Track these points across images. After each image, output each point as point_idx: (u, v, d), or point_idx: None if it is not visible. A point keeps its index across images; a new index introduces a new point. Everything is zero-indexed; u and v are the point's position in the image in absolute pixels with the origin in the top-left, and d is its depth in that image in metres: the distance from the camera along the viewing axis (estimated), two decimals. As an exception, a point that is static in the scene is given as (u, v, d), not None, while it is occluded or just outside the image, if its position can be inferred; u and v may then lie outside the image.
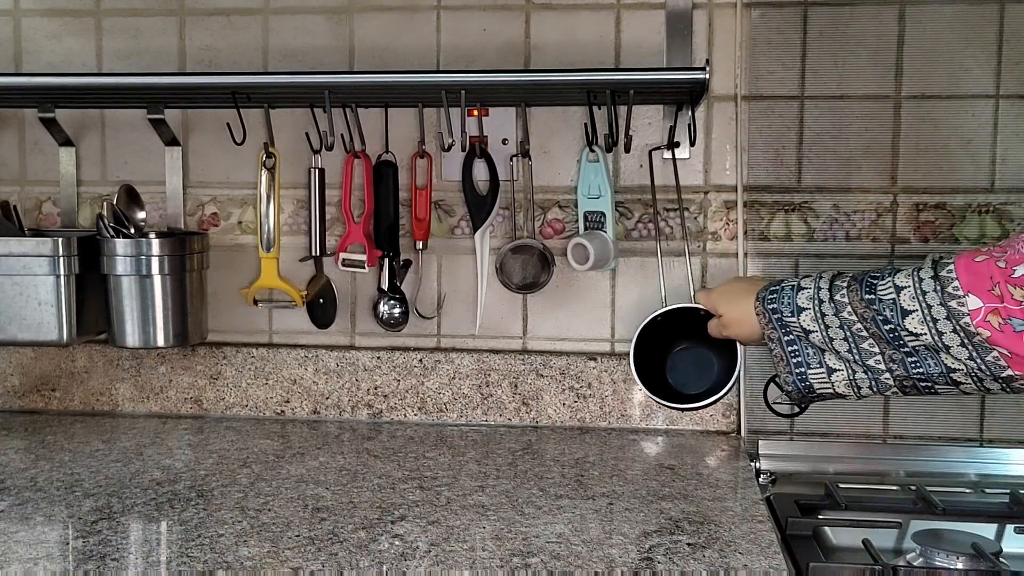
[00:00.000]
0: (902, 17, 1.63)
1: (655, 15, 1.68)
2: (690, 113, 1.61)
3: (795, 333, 1.32)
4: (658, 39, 1.68)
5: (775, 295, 1.33)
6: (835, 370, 1.30)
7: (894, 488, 1.58)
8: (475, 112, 1.66)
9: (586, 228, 1.68)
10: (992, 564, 1.24)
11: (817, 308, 1.29)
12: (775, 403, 1.67)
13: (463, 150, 1.64)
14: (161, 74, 1.74)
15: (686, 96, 1.58)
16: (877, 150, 1.66)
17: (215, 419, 1.80)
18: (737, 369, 1.54)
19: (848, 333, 1.27)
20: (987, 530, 1.38)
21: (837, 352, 1.29)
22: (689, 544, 1.21)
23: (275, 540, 1.22)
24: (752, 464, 1.58)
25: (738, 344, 1.51)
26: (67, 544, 1.22)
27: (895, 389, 1.28)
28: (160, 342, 1.66)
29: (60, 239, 1.62)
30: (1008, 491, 1.50)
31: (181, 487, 1.42)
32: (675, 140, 1.66)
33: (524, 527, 1.26)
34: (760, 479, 1.56)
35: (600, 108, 1.65)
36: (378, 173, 1.72)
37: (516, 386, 1.75)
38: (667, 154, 1.68)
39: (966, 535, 1.34)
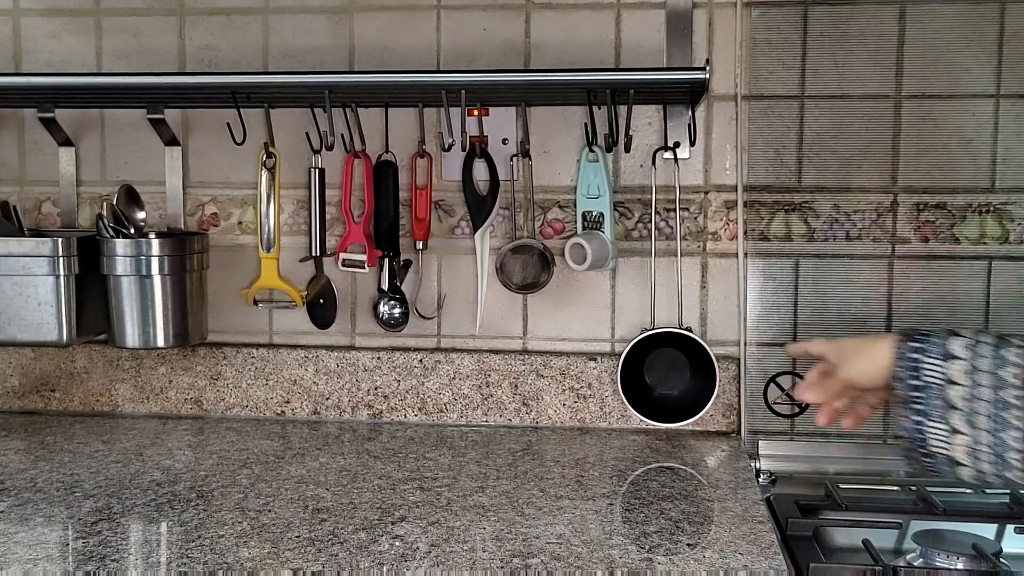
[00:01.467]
0: (902, 17, 1.63)
1: (655, 15, 1.68)
2: (690, 113, 1.61)
3: (927, 379, 1.17)
4: (658, 39, 1.68)
5: (923, 336, 1.20)
6: (959, 432, 1.15)
7: (894, 488, 1.57)
8: (475, 112, 1.66)
9: (584, 228, 1.68)
10: (992, 564, 1.24)
11: (972, 361, 1.15)
12: (775, 403, 1.68)
13: (463, 150, 1.64)
14: (161, 74, 1.73)
15: (686, 96, 1.58)
16: (877, 150, 1.66)
17: (215, 420, 1.80)
18: (716, 387, 1.65)
19: (995, 396, 1.13)
20: (987, 530, 1.38)
21: (968, 412, 1.14)
22: (689, 544, 1.21)
23: (275, 541, 1.22)
24: (752, 464, 1.58)
25: (716, 367, 1.64)
26: (67, 545, 1.22)
27: (1019, 472, 1.12)
28: (160, 342, 1.66)
29: (60, 239, 1.61)
30: (1008, 491, 1.50)
31: (181, 488, 1.42)
32: (675, 140, 1.68)
33: (524, 528, 1.26)
34: (760, 479, 1.56)
35: (600, 108, 1.65)
36: (378, 173, 1.72)
37: (516, 386, 1.75)
38: (667, 154, 1.69)
39: (966, 535, 1.34)
